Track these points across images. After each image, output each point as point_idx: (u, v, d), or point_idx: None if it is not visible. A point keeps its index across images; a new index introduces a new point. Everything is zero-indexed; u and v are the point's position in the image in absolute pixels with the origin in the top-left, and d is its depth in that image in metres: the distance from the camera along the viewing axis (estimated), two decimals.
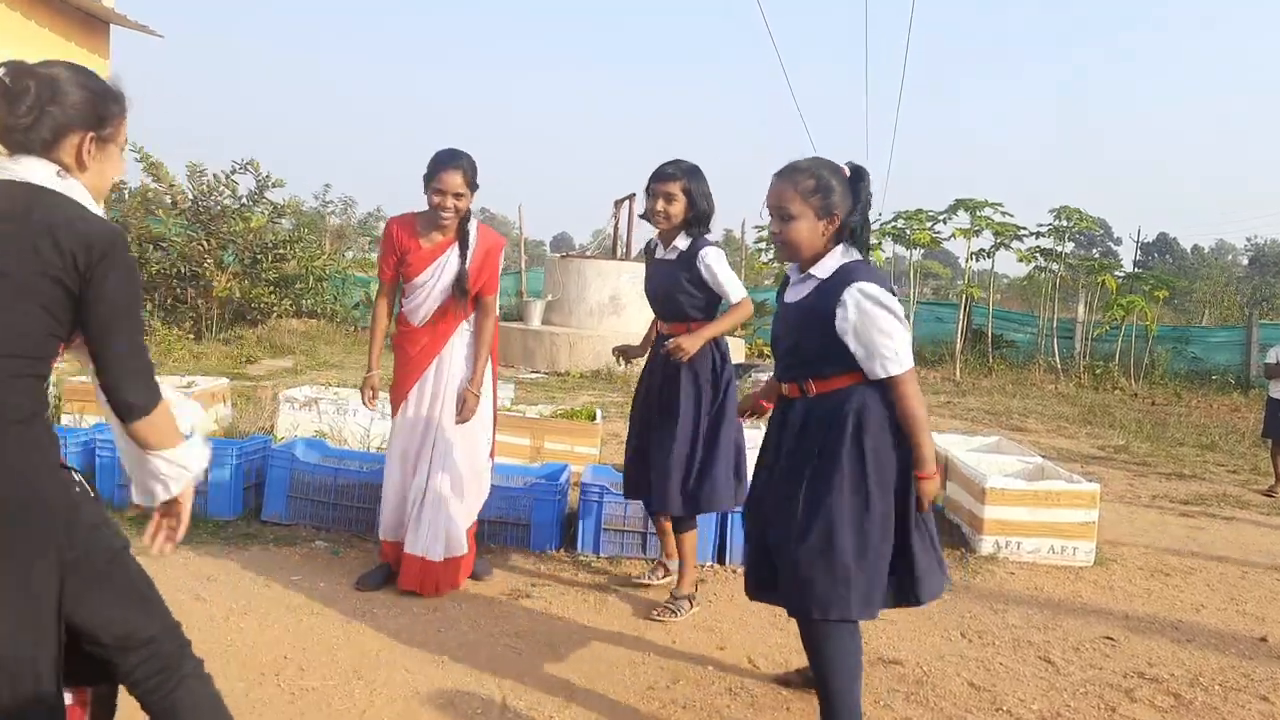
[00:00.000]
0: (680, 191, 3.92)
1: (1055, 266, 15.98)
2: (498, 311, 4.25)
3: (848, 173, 2.84)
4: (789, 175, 2.81)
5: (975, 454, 6.05)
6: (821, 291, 2.78)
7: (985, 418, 10.98)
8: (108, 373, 1.95)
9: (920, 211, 15.12)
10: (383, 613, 3.81)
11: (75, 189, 1.98)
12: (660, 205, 3.94)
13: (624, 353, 4.51)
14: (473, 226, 4.09)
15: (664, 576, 4.35)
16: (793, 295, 2.92)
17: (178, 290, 11.92)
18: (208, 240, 11.86)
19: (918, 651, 3.78)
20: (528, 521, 4.74)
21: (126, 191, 17.65)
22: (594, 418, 6.40)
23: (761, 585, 3.00)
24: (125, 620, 2.01)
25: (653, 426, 4.03)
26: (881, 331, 2.67)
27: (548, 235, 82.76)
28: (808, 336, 2.81)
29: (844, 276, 2.74)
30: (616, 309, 13.50)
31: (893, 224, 15.46)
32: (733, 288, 3.95)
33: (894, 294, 2.75)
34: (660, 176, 3.95)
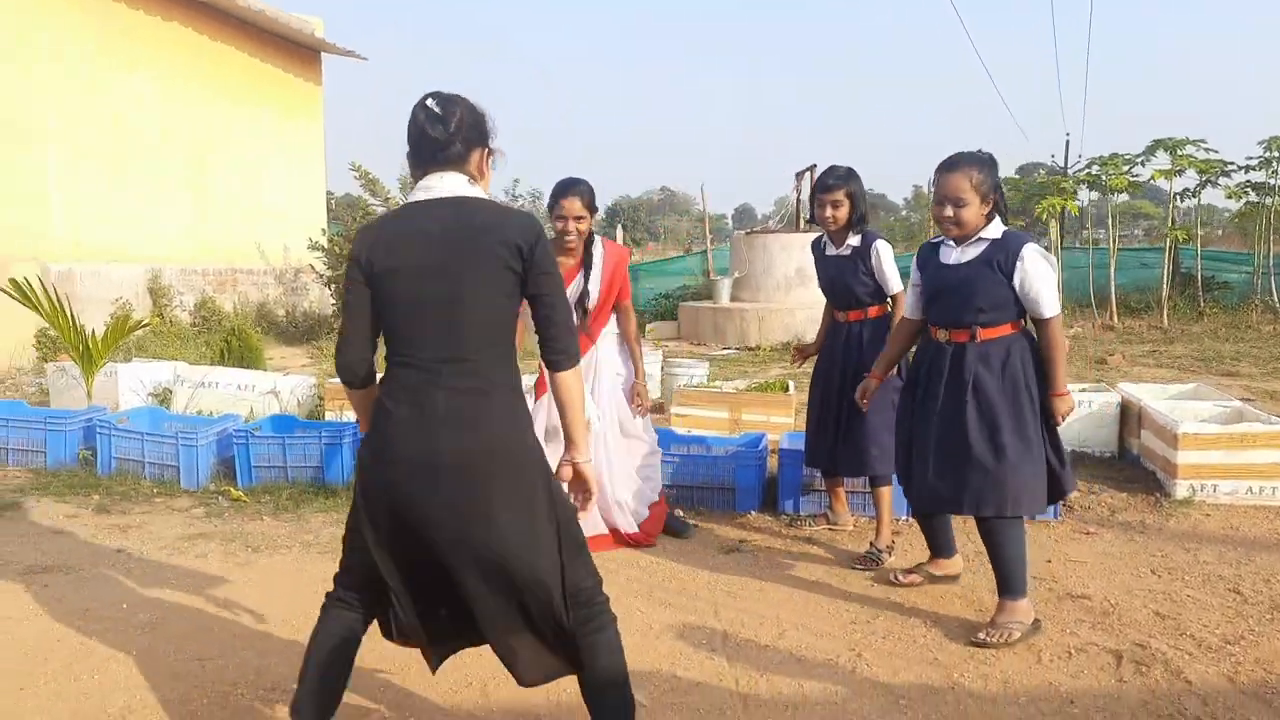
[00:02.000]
0: (844, 196, 4.45)
1: (1269, 200, 15.05)
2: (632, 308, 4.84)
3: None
4: (960, 170, 3.49)
5: (1170, 402, 6.10)
6: (997, 248, 3.49)
7: (1194, 365, 10.65)
8: (551, 326, 2.43)
9: (1115, 156, 14.56)
10: (614, 567, 4.38)
11: (482, 194, 2.45)
12: (829, 211, 4.46)
13: (802, 352, 4.99)
14: (597, 247, 4.61)
15: (825, 526, 4.92)
16: (959, 257, 3.58)
17: None
18: None
19: (1106, 588, 4.04)
20: (732, 486, 5.23)
21: (334, 201, 19.15)
22: (787, 389, 6.83)
23: (936, 499, 3.65)
24: (578, 573, 2.47)
25: (837, 403, 4.52)
26: (1046, 283, 3.45)
27: (729, 208, 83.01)
28: (984, 286, 3.48)
29: (1017, 239, 3.52)
30: (803, 280, 13.76)
31: (1086, 170, 14.98)
32: (894, 279, 4.47)
33: None
34: (824, 187, 4.47)
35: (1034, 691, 3.13)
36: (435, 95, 2.41)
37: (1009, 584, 3.54)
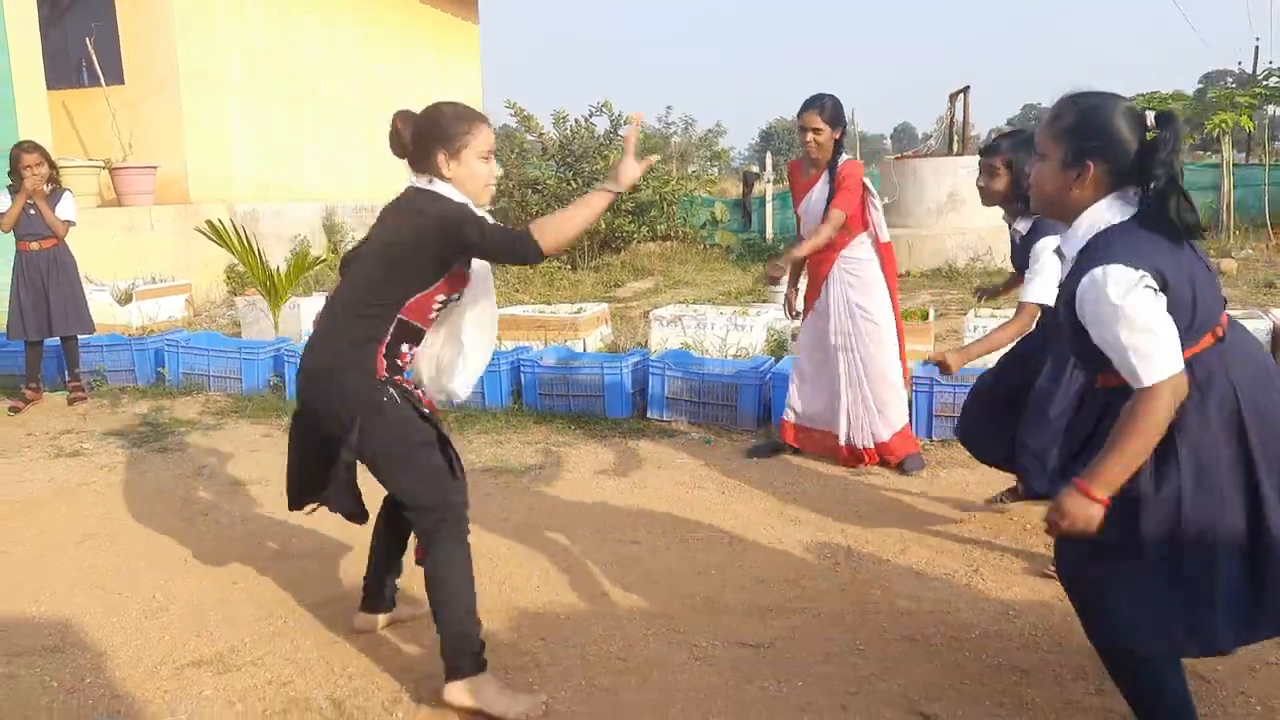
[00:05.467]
0: (1002, 165, 3.84)
1: None
2: (841, 220, 4.71)
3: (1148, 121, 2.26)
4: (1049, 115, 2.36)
5: None
6: None
7: None
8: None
9: None
10: (750, 488, 4.69)
11: (441, 186, 2.84)
12: (982, 180, 3.93)
13: (989, 293, 4.58)
14: (841, 159, 4.79)
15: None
16: None
17: None
18: (574, 180, 13.35)
19: None
20: None
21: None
22: (926, 317, 6.91)
23: None
24: (412, 491, 2.82)
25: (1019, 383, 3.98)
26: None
27: (888, 127, 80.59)
28: None
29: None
30: (955, 206, 13.51)
31: (1263, 84, 14.03)
32: (1032, 287, 3.69)
33: None
34: (987, 151, 3.94)
35: None
36: (398, 114, 2.90)
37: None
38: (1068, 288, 2.27)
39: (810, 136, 4.75)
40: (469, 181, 2.86)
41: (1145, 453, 2.14)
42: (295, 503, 3.12)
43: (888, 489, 4.61)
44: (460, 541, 2.85)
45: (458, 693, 2.77)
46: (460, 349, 3.05)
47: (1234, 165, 14.42)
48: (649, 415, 5.90)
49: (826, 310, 4.90)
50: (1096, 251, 2.21)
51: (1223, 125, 12.82)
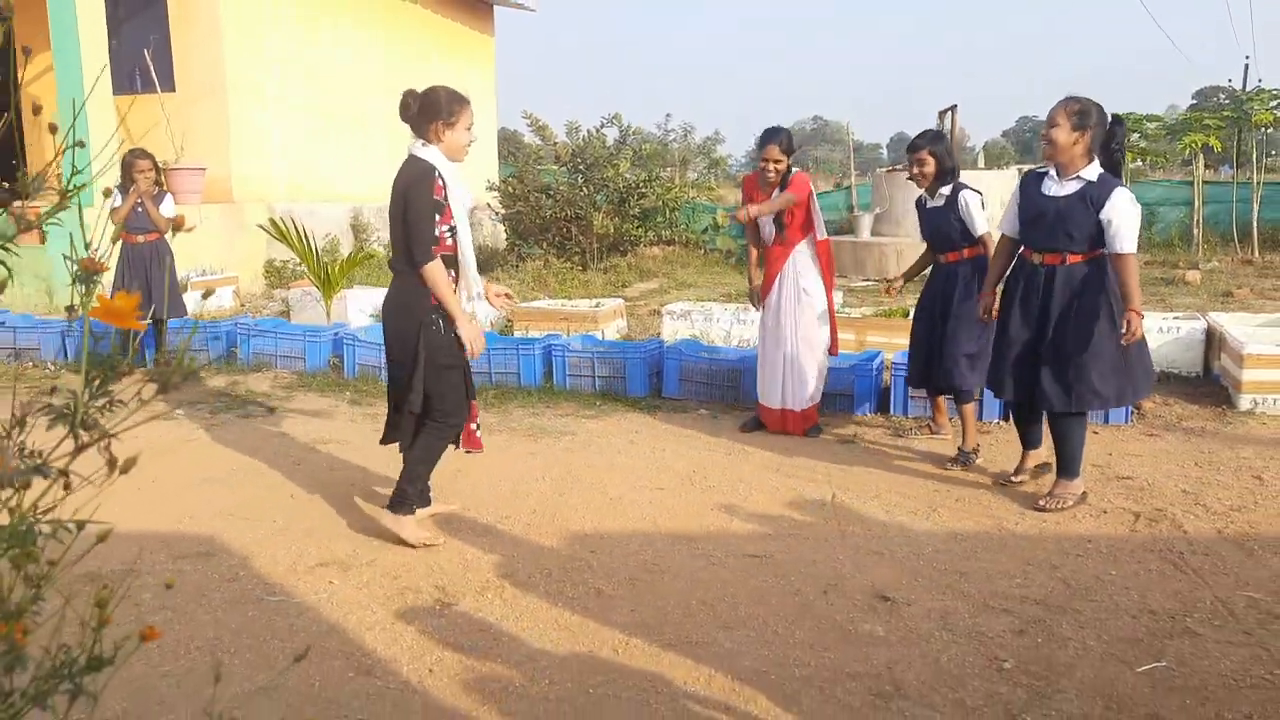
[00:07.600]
0: (929, 155, 5.37)
1: None
2: (790, 200, 5.68)
3: (1109, 117, 4.39)
4: (1063, 102, 4.35)
5: (1254, 329, 6.84)
6: (1092, 187, 4.27)
7: None
8: (409, 238, 3.86)
9: (1262, 91, 14.52)
10: (752, 451, 5.60)
11: (430, 151, 3.90)
12: (916, 170, 5.43)
13: (891, 284, 5.97)
14: (792, 178, 5.74)
15: (928, 434, 5.81)
16: (1058, 190, 4.39)
17: (565, 230, 14.45)
18: (586, 186, 14.23)
19: (1149, 473, 5.00)
20: (851, 392, 6.34)
21: (497, 144, 20.58)
22: (907, 315, 7.81)
23: (1034, 399, 4.54)
24: (431, 394, 4.02)
25: (942, 331, 5.35)
26: (1127, 223, 4.22)
27: (885, 137, 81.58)
28: (1079, 219, 4.29)
29: (1110, 183, 4.29)
30: None
31: (1230, 108, 14.93)
32: (979, 222, 5.30)
33: None
34: (912, 148, 5.45)
35: (1062, 534, 4.20)
36: (408, 92, 3.94)
37: (1068, 467, 4.52)
38: (1089, 197, 4.24)
39: (771, 166, 5.67)
40: (455, 146, 3.97)
41: (1139, 287, 4.21)
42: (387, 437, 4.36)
43: (865, 452, 5.52)
44: (442, 438, 4.18)
45: (387, 519, 4.16)
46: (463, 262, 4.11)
47: (1213, 182, 15.34)
48: (664, 394, 6.80)
49: (779, 303, 5.85)
50: (1116, 184, 4.26)
51: (1192, 145, 13.74)
